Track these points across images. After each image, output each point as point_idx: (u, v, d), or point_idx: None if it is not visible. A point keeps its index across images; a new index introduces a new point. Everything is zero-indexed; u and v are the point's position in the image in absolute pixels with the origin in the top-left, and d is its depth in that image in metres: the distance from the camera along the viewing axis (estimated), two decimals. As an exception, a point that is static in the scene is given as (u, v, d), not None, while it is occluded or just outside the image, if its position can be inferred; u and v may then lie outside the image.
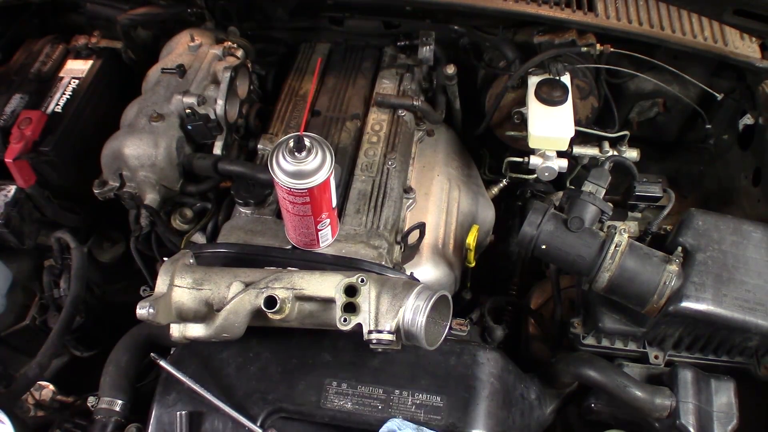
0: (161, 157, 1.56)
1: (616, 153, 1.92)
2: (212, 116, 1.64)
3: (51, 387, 1.61)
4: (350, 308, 1.16)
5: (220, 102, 1.63)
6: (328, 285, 1.17)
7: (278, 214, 1.58)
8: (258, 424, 1.21)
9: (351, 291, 1.16)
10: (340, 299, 1.15)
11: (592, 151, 1.94)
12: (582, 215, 1.44)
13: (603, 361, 1.45)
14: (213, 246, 1.48)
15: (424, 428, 1.18)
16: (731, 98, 1.96)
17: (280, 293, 1.15)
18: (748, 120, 1.94)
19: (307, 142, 1.21)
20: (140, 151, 1.55)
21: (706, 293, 1.36)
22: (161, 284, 1.18)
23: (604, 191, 1.50)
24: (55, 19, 2.13)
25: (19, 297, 1.76)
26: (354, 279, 1.16)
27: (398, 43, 1.95)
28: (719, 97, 1.89)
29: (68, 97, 1.84)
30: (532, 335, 1.79)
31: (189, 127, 1.63)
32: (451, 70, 1.85)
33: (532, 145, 1.81)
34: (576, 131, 1.79)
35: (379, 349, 1.19)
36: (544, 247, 1.44)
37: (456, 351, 1.34)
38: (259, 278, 1.20)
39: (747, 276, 1.39)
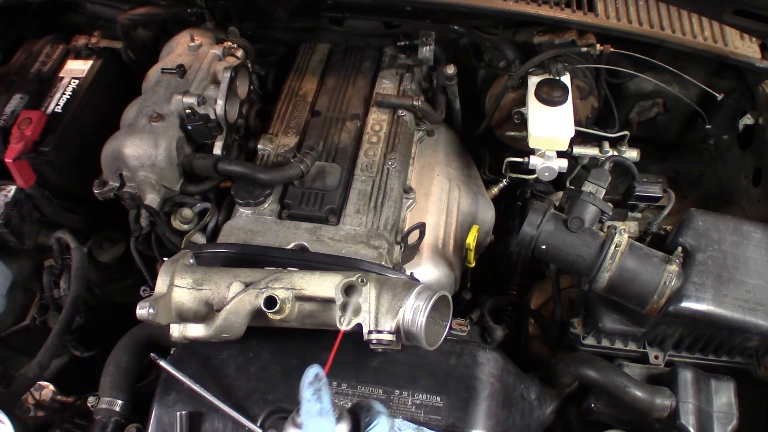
0: (161, 157, 1.56)
1: (616, 153, 1.92)
2: (212, 116, 1.64)
3: (51, 387, 1.61)
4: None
5: (220, 102, 1.63)
6: (328, 285, 1.17)
7: (278, 214, 1.59)
8: (258, 424, 1.21)
9: (351, 291, 1.16)
10: (340, 299, 1.15)
11: (592, 151, 1.94)
12: (582, 215, 1.44)
13: (603, 361, 1.44)
14: (213, 246, 1.49)
15: (424, 428, 1.18)
16: (731, 98, 1.96)
17: (280, 293, 1.15)
18: (748, 120, 1.93)
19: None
20: (140, 151, 1.55)
21: (706, 293, 1.36)
22: (161, 284, 1.18)
23: (604, 191, 1.50)
24: (55, 19, 2.13)
25: (19, 297, 1.76)
26: (354, 279, 1.16)
27: (398, 43, 1.95)
28: (719, 97, 1.89)
29: (68, 97, 1.84)
30: (532, 335, 1.79)
31: (189, 127, 1.63)
32: (451, 70, 1.85)
33: (532, 145, 1.81)
34: (576, 131, 1.79)
35: (379, 349, 1.19)
36: (544, 247, 1.44)
37: (456, 351, 1.34)
38: (259, 278, 1.20)
39: (747, 276, 1.39)
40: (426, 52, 1.85)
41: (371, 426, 1.04)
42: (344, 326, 1.14)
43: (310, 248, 1.48)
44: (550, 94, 1.79)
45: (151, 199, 1.59)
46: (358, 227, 1.54)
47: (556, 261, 1.52)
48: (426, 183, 1.79)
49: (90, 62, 1.93)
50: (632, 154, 1.93)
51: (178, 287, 1.20)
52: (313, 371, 1.00)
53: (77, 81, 1.88)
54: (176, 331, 1.24)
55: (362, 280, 1.16)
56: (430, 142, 1.93)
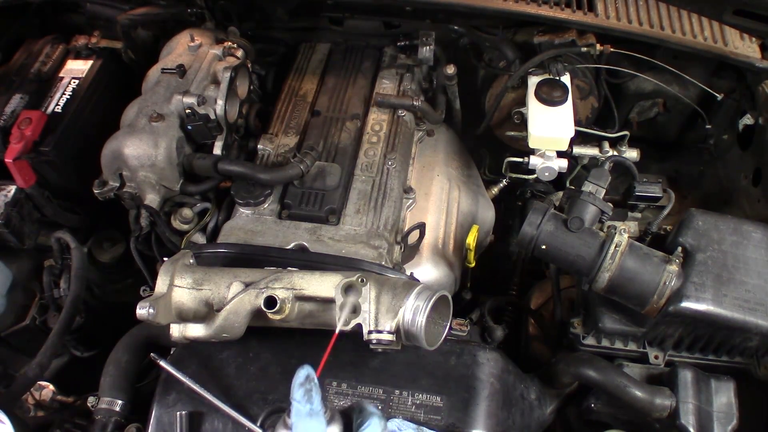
0: (161, 157, 1.56)
1: (616, 153, 1.92)
2: (212, 116, 1.64)
3: (51, 387, 1.61)
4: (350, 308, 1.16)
5: (220, 102, 1.63)
6: (328, 285, 1.17)
7: (278, 214, 1.59)
8: (258, 424, 1.20)
9: (351, 291, 1.16)
10: (340, 299, 1.15)
11: (592, 151, 1.94)
12: (582, 215, 1.44)
13: (603, 361, 1.44)
14: (213, 246, 1.48)
15: (424, 428, 1.18)
16: (731, 98, 1.96)
17: (280, 293, 1.15)
18: (748, 120, 1.93)
19: None
20: (140, 151, 1.55)
21: (706, 293, 1.36)
22: (161, 284, 1.18)
23: (604, 191, 1.50)
24: (55, 19, 2.13)
25: (19, 297, 1.76)
26: (354, 279, 1.16)
27: (398, 43, 1.95)
28: (719, 97, 1.89)
29: (68, 97, 1.84)
30: (532, 335, 1.79)
31: (189, 127, 1.63)
32: (451, 70, 1.85)
33: (532, 145, 1.81)
34: (576, 131, 1.79)
35: (379, 349, 1.19)
36: (544, 247, 1.44)
37: (456, 351, 1.34)
38: (259, 278, 1.20)
39: (747, 276, 1.39)
40: (426, 52, 1.85)
41: (363, 427, 1.05)
42: (344, 326, 1.14)
43: (310, 248, 1.48)
44: (550, 94, 1.79)
45: (151, 199, 1.59)
46: (358, 227, 1.54)
47: (556, 261, 1.52)
48: (426, 183, 1.79)
49: (90, 62, 1.93)
50: (632, 154, 1.93)
51: (178, 287, 1.20)
52: (303, 372, 1.03)
53: (77, 81, 1.88)
54: (176, 331, 1.24)
55: (362, 280, 1.16)
56: (430, 142, 1.92)
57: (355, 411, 1.11)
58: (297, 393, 1.02)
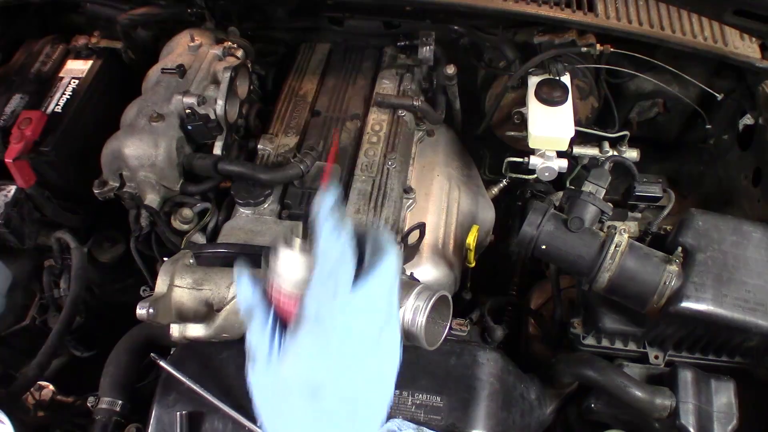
0: (161, 157, 1.56)
1: (616, 153, 1.92)
2: (212, 116, 1.64)
3: (51, 387, 1.61)
4: (350, 308, 1.15)
5: (220, 102, 1.63)
6: (328, 285, 1.17)
7: (278, 214, 1.59)
8: (258, 424, 1.21)
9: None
10: (340, 299, 1.15)
11: (592, 151, 1.94)
12: (582, 215, 1.44)
13: (603, 361, 1.44)
14: (213, 246, 1.49)
15: (424, 428, 1.18)
16: (731, 98, 1.96)
17: (280, 293, 1.15)
18: (748, 120, 1.94)
19: None
20: (140, 151, 1.55)
21: (706, 293, 1.36)
22: (161, 284, 1.18)
23: (604, 191, 1.50)
24: (55, 19, 2.13)
25: (19, 297, 1.76)
26: (354, 279, 1.16)
27: (398, 43, 1.95)
28: (719, 97, 1.89)
29: (68, 97, 1.83)
30: (532, 335, 1.79)
31: (189, 128, 1.63)
32: (451, 70, 1.85)
33: (532, 145, 1.81)
34: (576, 131, 1.79)
35: (379, 349, 1.19)
36: (544, 247, 1.44)
37: (456, 351, 1.34)
38: (259, 278, 1.20)
39: (747, 276, 1.39)
40: (426, 52, 1.85)
41: (377, 266, 0.83)
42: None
43: (310, 248, 1.47)
44: (550, 94, 1.79)
45: (151, 199, 1.59)
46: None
47: (556, 261, 1.52)
48: (426, 183, 1.79)
49: (90, 62, 1.93)
50: (632, 154, 1.93)
51: (178, 287, 1.20)
52: (329, 200, 0.80)
53: (77, 81, 1.88)
54: (176, 331, 1.25)
55: (362, 280, 1.15)
56: (430, 142, 1.92)
57: (368, 241, 0.86)
58: (325, 226, 0.78)
